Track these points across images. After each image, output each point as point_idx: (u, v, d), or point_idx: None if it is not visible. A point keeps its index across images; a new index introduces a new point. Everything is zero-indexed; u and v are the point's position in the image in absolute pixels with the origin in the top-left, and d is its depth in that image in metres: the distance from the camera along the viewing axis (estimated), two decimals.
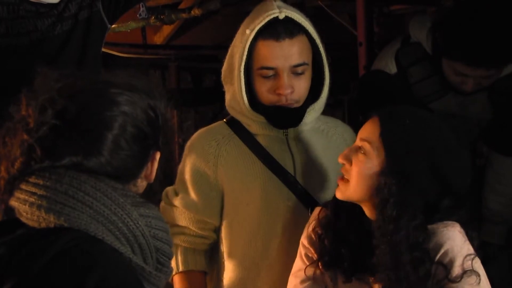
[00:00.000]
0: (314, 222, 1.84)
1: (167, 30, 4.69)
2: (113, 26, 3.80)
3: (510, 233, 2.68)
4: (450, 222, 1.65)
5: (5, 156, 1.24)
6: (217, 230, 2.09)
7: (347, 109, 5.23)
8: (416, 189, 1.62)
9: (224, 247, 2.08)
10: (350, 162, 1.71)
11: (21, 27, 2.17)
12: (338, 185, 1.75)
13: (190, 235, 2.08)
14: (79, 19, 2.23)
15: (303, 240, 1.89)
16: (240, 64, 1.93)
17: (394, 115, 1.71)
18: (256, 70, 1.94)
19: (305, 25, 1.93)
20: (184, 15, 3.79)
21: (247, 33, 1.92)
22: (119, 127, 1.24)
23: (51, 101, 1.21)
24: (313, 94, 2.01)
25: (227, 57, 2.01)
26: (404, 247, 1.59)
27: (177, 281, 2.08)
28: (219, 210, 2.06)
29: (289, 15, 1.92)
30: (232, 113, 2.06)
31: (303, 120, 2.01)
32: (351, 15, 3.82)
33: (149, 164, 1.32)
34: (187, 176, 2.06)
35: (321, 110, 2.07)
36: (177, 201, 2.07)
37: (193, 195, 2.05)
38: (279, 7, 1.92)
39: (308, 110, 2.01)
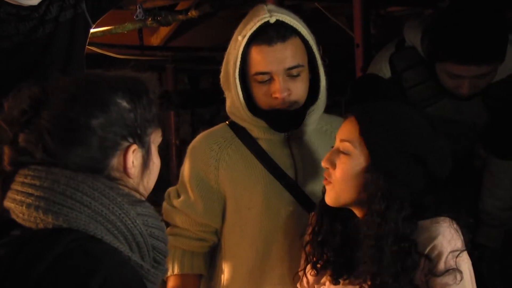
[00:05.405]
0: (307, 228, 1.85)
1: (164, 31, 4.69)
2: (110, 27, 3.83)
3: (506, 237, 2.68)
4: (441, 218, 1.67)
5: None
6: (218, 233, 2.09)
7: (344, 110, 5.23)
8: (402, 181, 1.64)
9: (225, 250, 2.08)
10: (333, 165, 1.72)
11: (2, 31, 2.19)
12: (325, 190, 1.76)
13: (190, 237, 2.08)
14: (60, 21, 2.24)
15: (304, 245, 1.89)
16: (235, 71, 1.93)
17: (369, 112, 1.72)
18: (251, 76, 1.94)
19: (297, 27, 1.92)
20: (181, 17, 3.80)
21: (239, 39, 1.92)
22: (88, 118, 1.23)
23: (32, 100, 1.23)
24: (312, 96, 2.01)
25: (223, 64, 2.01)
26: (392, 239, 1.61)
27: (170, 283, 2.09)
28: (220, 213, 2.06)
29: (280, 19, 1.91)
30: (233, 118, 2.05)
31: (304, 121, 2.01)
32: (348, 17, 3.83)
33: (121, 156, 1.28)
34: (188, 179, 2.06)
35: (322, 110, 2.06)
36: (177, 203, 2.07)
37: (193, 198, 2.05)
38: (270, 11, 1.91)
39: (308, 111, 2.00)
